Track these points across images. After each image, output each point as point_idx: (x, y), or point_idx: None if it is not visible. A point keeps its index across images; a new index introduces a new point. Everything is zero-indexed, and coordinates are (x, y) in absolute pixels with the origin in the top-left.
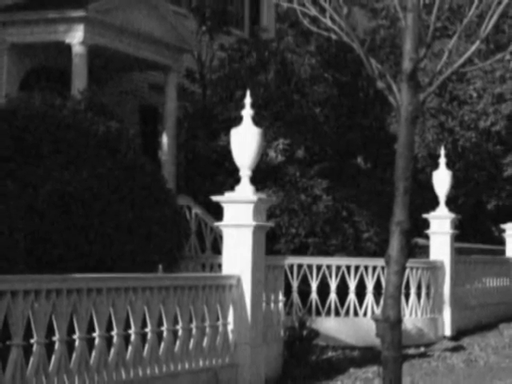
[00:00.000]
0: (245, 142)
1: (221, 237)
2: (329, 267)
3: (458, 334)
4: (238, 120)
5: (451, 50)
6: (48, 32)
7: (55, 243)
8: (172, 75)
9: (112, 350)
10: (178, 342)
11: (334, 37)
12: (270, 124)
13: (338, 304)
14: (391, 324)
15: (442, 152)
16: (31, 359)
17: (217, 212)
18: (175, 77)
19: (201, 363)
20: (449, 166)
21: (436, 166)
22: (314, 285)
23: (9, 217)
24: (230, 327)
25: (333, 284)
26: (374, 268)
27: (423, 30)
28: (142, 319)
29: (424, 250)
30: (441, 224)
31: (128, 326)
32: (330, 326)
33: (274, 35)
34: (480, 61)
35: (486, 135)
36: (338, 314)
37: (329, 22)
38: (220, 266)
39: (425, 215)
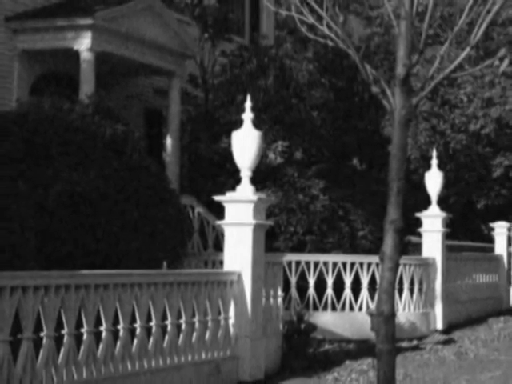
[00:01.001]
0: (245, 144)
1: (222, 235)
2: (326, 264)
3: (449, 328)
4: (238, 123)
5: (443, 56)
6: (57, 39)
7: (64, 241)
8: (176, 80)
9: (118, 343)
10: (181, 336)
11: (330, 43)
12: (270, 127)
13: (335, 299)
14: (385, 318)
15: (434, 154)
16: (41, 352)
17: (218, 211)
18: (179, 82)
19: (203, 355)
20: (440, 167)
21: (428, 167)
22: (312, 281)
23: (20, 216)
24: (231, 321)
25: (329, 280)
26: (369, 264)
27: (416, 37)
28: (147, 313)
29: (416, 248)
30: (433, 222)
31: (133, 320)
32: (326, 320)
33: (273, 42)
34: (470, 66)
35: (475, 138)
36: (334, 308)
37: (326, 30)
38: (221, 262)
39: (417, 214)
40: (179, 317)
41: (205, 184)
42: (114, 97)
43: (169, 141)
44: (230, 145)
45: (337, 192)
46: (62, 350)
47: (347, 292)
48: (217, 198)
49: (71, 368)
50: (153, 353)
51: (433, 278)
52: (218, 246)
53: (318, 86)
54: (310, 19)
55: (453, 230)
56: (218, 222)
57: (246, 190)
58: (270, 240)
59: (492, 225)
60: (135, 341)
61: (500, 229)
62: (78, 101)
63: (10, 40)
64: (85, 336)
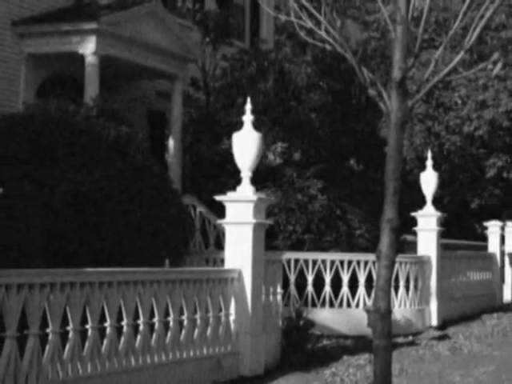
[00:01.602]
0: (246, 145)
1: (223, 233)
2: (324, 262)
3: (443, 324)
4: (239, 125)
5: (437, 59)
6: (62, 43)
7: (69, 240)
8: (178, 83)
9: (122, 339)
10: (183, 332)
11: (328, 47)
12: (269, 129)
13: (332, 296)
14: (381, 314)
15: (429, 155)
16: (47, 347)
17: (220, 210)
18: (181, 85)
19: (205, 351)
20: (435, 167)
21: (423, 167)
22: (310, 278)
23: (26, 215)
24: (232, 318)
25: (327, 277)
26: (366, 263)
27: (411, 42)
28: (150, 310)
29: (412, 246)
30: (428, 222)
31: (137, 317)
32: (324, 316)
33: (272, 46)
34: (464, 70)
35: (469, 139)
36: (332, 305)
37: (324, 34)
38: (222, 260)
39: (413, 213)
40: (181, 313)
41: (206, 184)
42: (118, 99)
43: (171, 142)
44: (230, 146)
45: (334, 192)
46: (68, 346)
47: (344, 289)
48: (218, 197)
49: (76, 363)
50: (156, 348)
51: (428, 275)
52: (219, 245)
53: (316, 89)
54: (309, 24)
55: (447, 229)
56: (219, 221)
57: (246, 190)
58: (269, 239)
59: (486, 224)
60: (138, 337)
61: (493, 228)
62: (82, 103)
63: (16, 44)
64: (89, 332)
